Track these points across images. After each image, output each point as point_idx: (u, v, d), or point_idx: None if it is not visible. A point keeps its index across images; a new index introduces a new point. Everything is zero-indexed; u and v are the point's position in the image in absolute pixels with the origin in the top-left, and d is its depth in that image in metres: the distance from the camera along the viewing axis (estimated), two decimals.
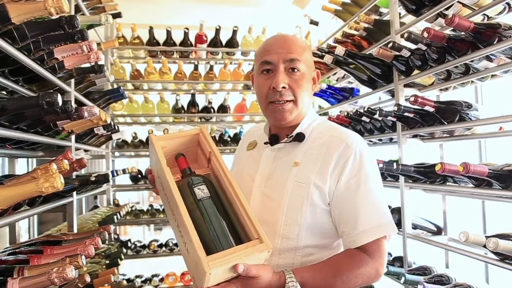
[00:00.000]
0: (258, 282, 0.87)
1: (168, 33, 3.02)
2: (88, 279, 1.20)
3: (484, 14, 1.54)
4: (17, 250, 1.20)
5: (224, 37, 3.14)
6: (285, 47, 1.06)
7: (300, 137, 1.09)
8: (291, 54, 1.05)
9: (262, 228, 0.90)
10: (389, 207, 2.09)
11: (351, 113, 2.33)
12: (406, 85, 1.89)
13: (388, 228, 1.01)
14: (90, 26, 1.83)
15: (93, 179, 1.62)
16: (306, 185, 1.02)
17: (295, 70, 1.06)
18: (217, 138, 3.21)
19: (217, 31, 3.05)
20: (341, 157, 1.02)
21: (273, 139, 1.15)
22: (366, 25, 2.10)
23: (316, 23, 2.96)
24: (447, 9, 1.57)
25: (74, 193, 1.64)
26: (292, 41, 1.08)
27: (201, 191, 0.96)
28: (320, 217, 1.03)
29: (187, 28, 3.01)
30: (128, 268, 3.32)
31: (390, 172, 1.75)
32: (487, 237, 1.24)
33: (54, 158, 1.29)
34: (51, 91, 1.00)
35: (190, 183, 0.97)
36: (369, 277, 0.98)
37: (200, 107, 3.24)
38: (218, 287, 0.86)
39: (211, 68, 3.22)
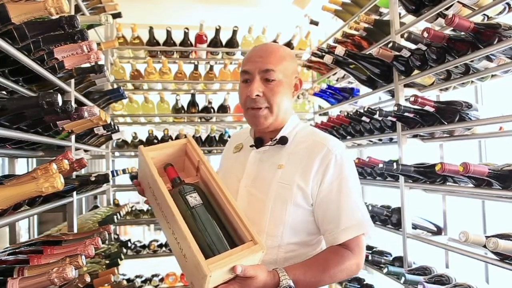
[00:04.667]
0: (255, 281, 0.92)
1: (168, 33, 3.02)
2: (88, 279, 1.20)
3: (484, 14, 1.54)
4: (17, 250, 1.20)
5: (224, 37, 3.13)
6: (263, 57, 1.13)
7: (283, 141, 1.16)
8: (267, 64, 1.12)
9: (255, 230, 0.96)
10: (389, 207, 2.10)
11: (351, 113, 2.33)
12: (406, 85, 1.89)
13: (367, 226, 1.10)
14: (90, 26, 1.83)
15: (93, 179, 1.62)
16: (290, 186, 1.09)
17: (270, 79, 1.12)
18: (217, 138, 3.21)
19: (217, 31, 3.05)
20: (323, 160, 1.10)
21: (258, 142, 1.22)
22: (366, 25, 2.10)
23: (316, 23, 2.96)
24: (447, 9, 1.57)
25: (74, 193, 1.64)
26: (271, 52, 1.14)
27: (194, 199, 1.01)
28: (303, 216, 1.11)
29: (187, 28, 3.01)
30: (128, 268, 3.32)
31: (390, 172, 1.75)
32: (487, 237, 1.25)
33: (54, 158, 1.29)
34: (51, 91, 1.00)
35: (182, 192, 1.02)
36: (351, 271, 1.06)
37: (200, 107, 3.23)
38: None
39: (211, 68, 3.22)
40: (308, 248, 1.14)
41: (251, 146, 1.22)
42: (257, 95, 1.11)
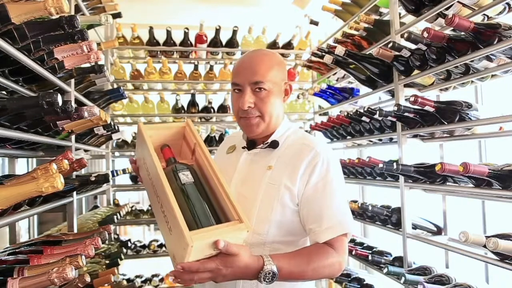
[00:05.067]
0: (237, 260, 0.93)
1: (168, 33, 3.02)
2: (88, 279, 1.20)
3: (484, 14, 1.54)
4: (17, 250, 1.20)
5: (224, 37, 3.13)
6: (250, 69, 1.16)
7: (274, 145, 1.21)
8: (255, 76, 1.15)
9: (242, 210, 0.98)
10: (389, 207, 2.10)
11: (351, 113, 2.33)
12: (406, 85, 1.89)
13: (349, 227, 1.12)
14: (90, 26, 1.83)
15: (93, 179, 1.62)
16: (277, 186, 1.14)
17: (261, 89, 1.16)
18: (217, 138, 3.21)
19: (217, 31, 3.05)
20: (311, 162, 1.14)
21: (250, 144, 1.26)
22: (366, 25, 2.10)
23: (316, 23, 2.96)
24: (447, 9, 1.57)
25: (74, 193, 1.64)
26: (258, 62, 1.17)
27: (186, 176, 1.03)
28: (289, 216, 1.14)
29: (187, 28, 3.01)
30: (128, 268, 3.32)
31: (390, 172, 1.75)
32: (487, 237, 1.25)
33: (54, 158, 1.29)
34: (51, 91, 1.00)
35: (174, 169, 1.04)
36: (334, 270, 1.08)
37: (200, 107, 3.23)
38: (198, 262, 0.91)
39: (211, 68, 3.22)
40: (293, 247, 1.16)
41: (243, 147, 1.27)
42: (249, 107, 1.15)
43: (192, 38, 3.10)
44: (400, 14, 1.96)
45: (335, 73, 2.67)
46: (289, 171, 1.14)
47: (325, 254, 1.07)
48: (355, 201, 2.29)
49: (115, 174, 2.72)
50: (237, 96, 1.19)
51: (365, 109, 2.17)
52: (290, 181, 1.13)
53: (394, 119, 1.88)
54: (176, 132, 1.21)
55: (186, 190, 1.00)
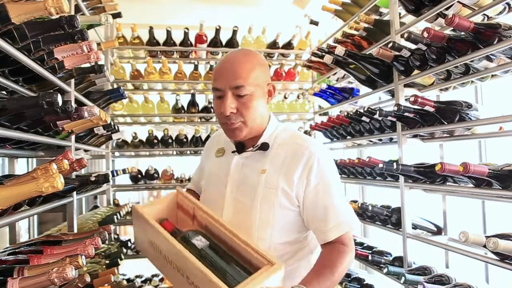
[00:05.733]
0: None
1: (168, 33, 3.02)
2: (88, 279, 1.20)
3: (484, 14, 1.54)
4: (17, 250, 1.20)
5: (224, 37, 3.13)
6: (231, 73, 1.13)
7: (264, 147, 1.19)
8: (236, 80, 1.11)
9: (266, 251, 0.97)
10: (389, 207, 2.10)
11: (351, 113, 2.33)
12: (406, 85, 1.89)
13: (354, 222, 1.17)
14: (90, 26, 1.83)
15: (93, 179, 1.62)
16: (274, 190, 1.14)
17: (243, 94, 1.12)
18: None
19: (217, 31, 3.05)
20: (306, 164, 1.14)
21: (240, 147, 1.24)
22: (366, 25, 2.10)
23: (316, 23, 2.96)
24: (447, 9, 1.57)
25: (74, 193, 1.64)
26: (238, 66, 1.13)
27: (200, 241, 1.02)
28: (289, 217, 1.16)
29: (187, 28, 3.01)
30: (128, 268, 3.32)
31: (390, 172, 1.75)
32: (487, 237, 1.25)
33: (54, 158, 1.29)
34: (51, 91, 1.00)
35: (186, 238, 1.03)
36: (350, 264, 1.13)
37: (200, 107, 3.23)
38: None
39: (211, 68, 3.22)
40: (297, 244, 1.20)
41: (233, 152, 1.24)
42: (231, 112, 1.13)
43: (192, 38, 3.10)
44: (400, 14, 1.96)
45: (335, 73, 2.67)
46: (285, 173, 1.14)
47: (342, 255, 1.11)
48: (355, 201, 2.29)
49: (115, 174, 2.72)
50: (218, 102, 1.16)
51: (365, 109, 2.17)
52: (287, 184, 1.14)
53: (394, 119, 1.88)
54: (170, 203, 1.20)
55: (206, 254, 0.99)
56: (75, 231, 1.71)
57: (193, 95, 3.18)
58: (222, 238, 1.07)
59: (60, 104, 1.01)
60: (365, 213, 2.20)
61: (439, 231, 1.95)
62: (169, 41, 3.07)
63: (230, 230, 1.04)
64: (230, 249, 1.05)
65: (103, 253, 2.06)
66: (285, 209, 1.14)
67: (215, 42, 3.12)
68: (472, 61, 1.51)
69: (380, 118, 2.01)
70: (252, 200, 1.15)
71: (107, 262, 1.94)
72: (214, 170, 1.30)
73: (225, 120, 1.16)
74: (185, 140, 3.14)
